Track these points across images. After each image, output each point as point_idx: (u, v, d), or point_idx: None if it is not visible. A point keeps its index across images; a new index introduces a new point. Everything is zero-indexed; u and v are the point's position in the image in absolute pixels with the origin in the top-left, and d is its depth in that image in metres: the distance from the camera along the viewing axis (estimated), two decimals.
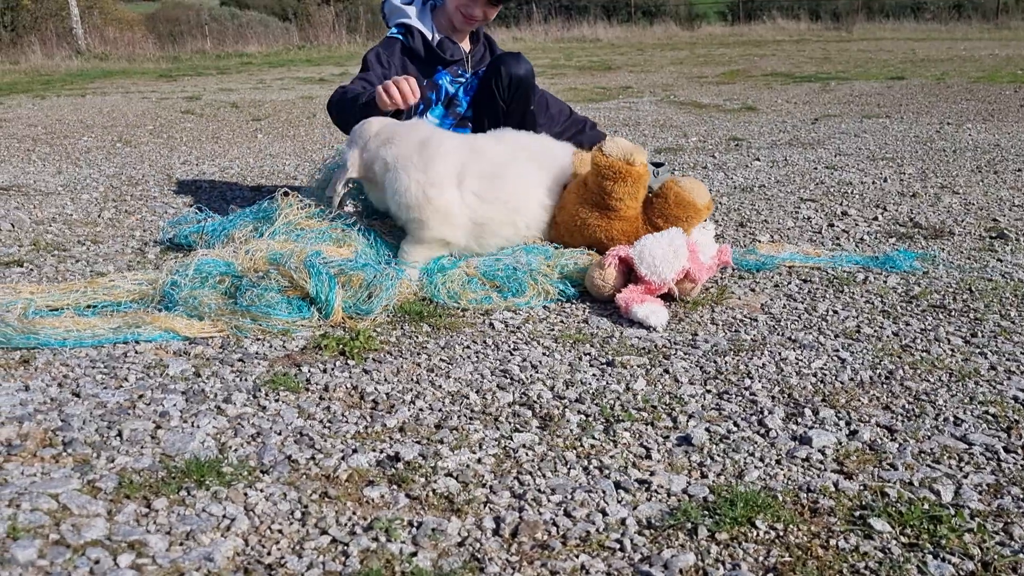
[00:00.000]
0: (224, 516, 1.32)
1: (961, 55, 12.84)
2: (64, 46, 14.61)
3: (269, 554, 1.24)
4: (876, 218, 3.23)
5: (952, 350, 1.99)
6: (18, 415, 1.64)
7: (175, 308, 2.13)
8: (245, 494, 1.39)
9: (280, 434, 1.59)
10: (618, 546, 1.26)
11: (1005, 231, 2.99)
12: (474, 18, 3.06)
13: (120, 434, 1.57)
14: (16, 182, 4.06)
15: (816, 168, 4.27)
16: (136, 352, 1.96)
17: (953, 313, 2.22)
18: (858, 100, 7.29)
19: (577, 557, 1.24)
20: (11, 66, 12.71)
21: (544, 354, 1.98)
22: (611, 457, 1.52)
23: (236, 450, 1.53)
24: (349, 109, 2.82)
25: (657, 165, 2.79)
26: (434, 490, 1.41)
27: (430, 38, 3.07)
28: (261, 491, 1.40)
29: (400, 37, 3.07)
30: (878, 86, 8.48)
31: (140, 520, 1.31)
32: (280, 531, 1.29)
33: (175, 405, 1.70)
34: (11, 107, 7.44)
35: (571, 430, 1.62)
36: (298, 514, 1.34)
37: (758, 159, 4.55)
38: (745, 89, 8.48)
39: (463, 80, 3.18)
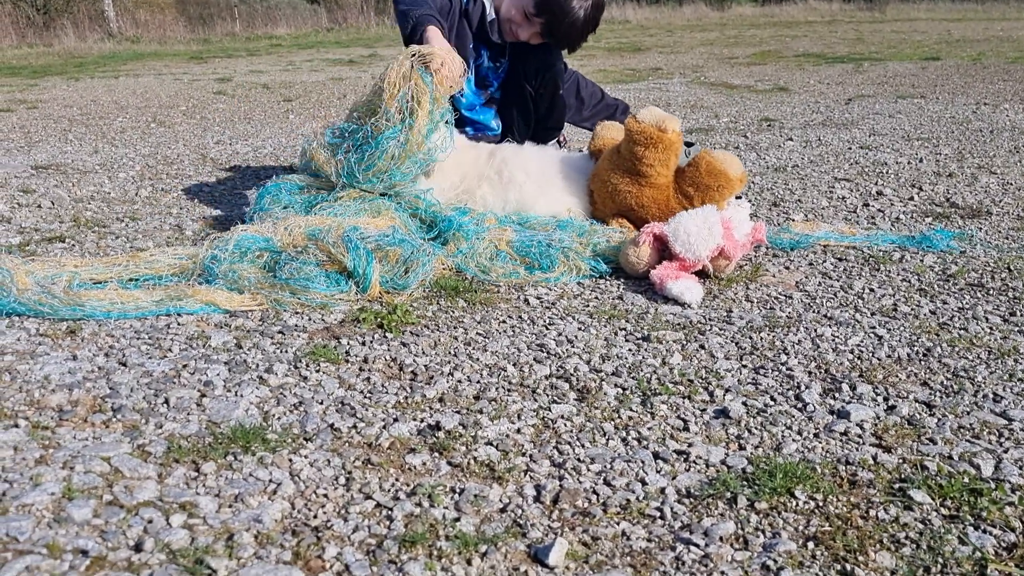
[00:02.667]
0: (270, 481, 1.35)
1: (998, 35, 12.62)
2: (96, 29, 14.74)
3: (315, 517, 1.26)
4: (912, 198, 3.20)
5: (991, 328, 1.98)
6: (67, 383, 1.69)
7: (215, 282, 2.16)
8: (290, 460, 1.42)
9: (322, 403, 1.62)
10: (658, 514, 1.28)
11: None
12: (518, 38, 3.05)
13: (167, 401, 1.61)
14: (54, 161, 4.12)
15: (850, 148, 4.23)
16: (178, 324, 2.00)
17: (991, 292, 2.21)
18: (892, 81, 7.19)
19: (618, 524, 1.25)
20: (45, 48, 12.85)
21: (580, 329, 1.99)
22: (649, 428, 1.53)
23: (279, 418, 1.56)
24: (401, 25, 2.86)
25: (688, 145, 2.78)
26: (475, 458, 1.43)
27: (488, 14, 3.05)
28: (305, 457, 1.43)
29: None
30: (912, 67, 8.36)
31: (190, 483, 1.34)
32: (325, 495, 1.32)
33: (218, 375, 1.73)
34: (46, 88, 7.54)
35: (608, 402, 1.63)
36: (342, 480, 1.36)
37: (791, 139, 4.52)
38: (777, 70, 8.39)
39: (499, 63, 3.18)
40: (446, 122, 2.57)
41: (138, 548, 1.18)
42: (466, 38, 3.04)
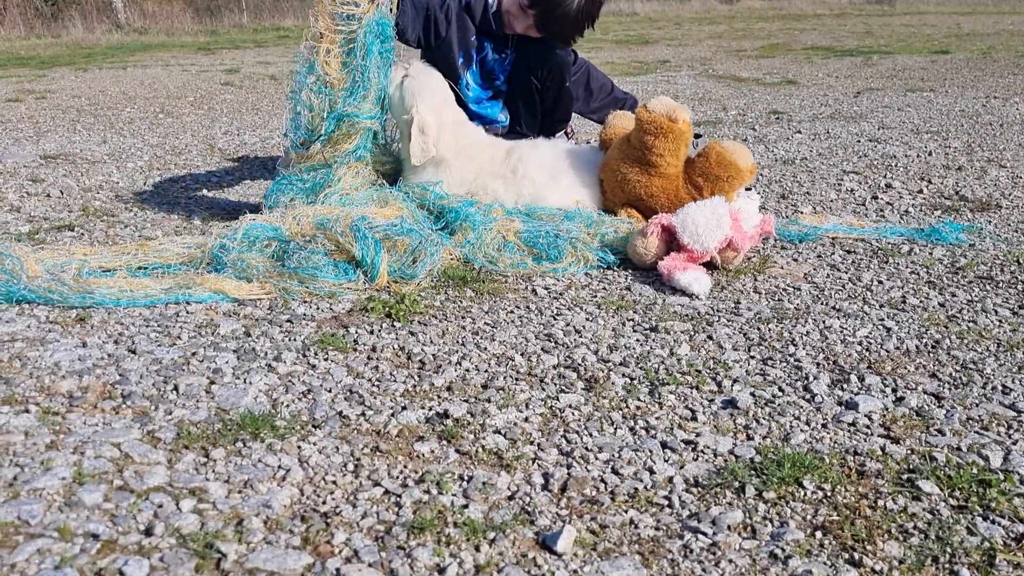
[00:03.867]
0: (279, 467, 1.36)
1: (1008, 29, 12.55)
2: (104, 20, 14.74)
3: (324, 503, 1.27)
4: (921, 191, 3.19)
5: (1000, 321, 1.97)
6: (77, 369, 1.69)
7: (224, 270, 2.17)
8: (299, 447, 1.42)
9: (330, 391, 1.62)
10: (666, 503, 1.28)
11: None
12: (515, 31, 3.03)
13: (176, 388, 1.62)
14: (63, 151, 4.13)
15: (859, 141, 4.21)
16: (187, 312, 2.01)
17: (1000, 285, 2.20)
18: (901, 74, 7.16)
19: (626, 512, 1.26)
20: (53, 39, 12.86)
21: (587, 319, 1.99)
22: (657, 418, 1.53)
23: (288, 405, 1.57)
24: None
25: (696, 136, 2.78)
26: (483, 446, 1.43)
27: (491, 6, 3.04)
28: (314, 444, 1.43)
29: None
30: (922, 60, 8.33)
31: (199, 469, 1.35)
32: (334, 482, 1.32)
33: (227, 362, 1.74)
34: (55, 79, 7.55)
35: (616, 392, 1.63)
36: (351, 466, 1.37)
37: (799, 132, 4.50)
38: (785, 63, 8.36)
39: (504, 55, 3.17)
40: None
41: (148, 532, 1.18)
42: (468, 31, 3.04)
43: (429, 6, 2.96)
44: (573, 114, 3.34)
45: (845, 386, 1.65)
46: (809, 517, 1.24)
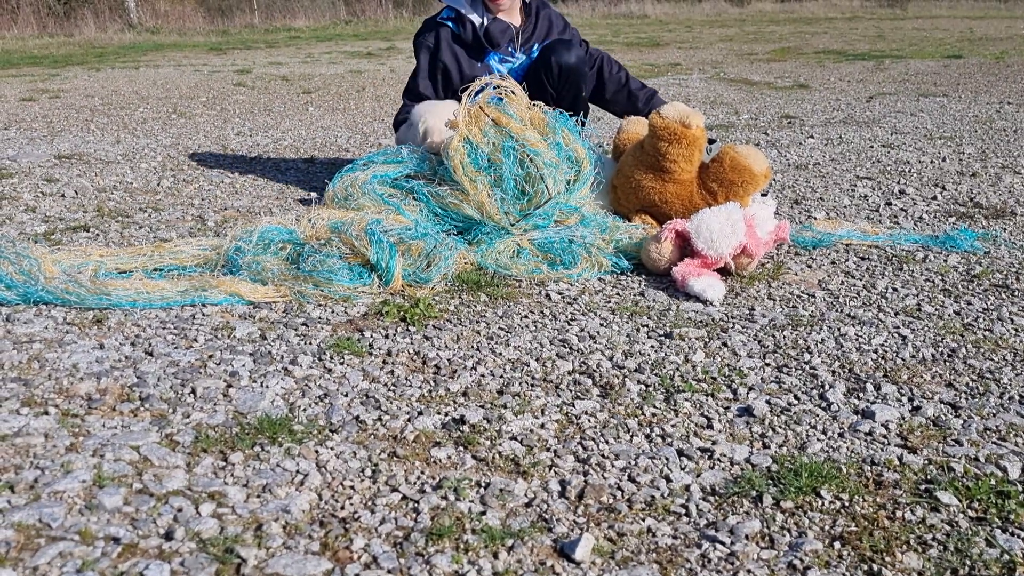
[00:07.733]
0: (298, 472, 1.36)
1: (1021, 34, 12.49)
2: (116, 19, 14.81)
3: (343, 508, 1.27)
4: (935, 197, 3.18)
5: (1016, 329, 1.96)
6: (95, 371, 1.70)
7: (239, 273, 2.18)
8: (316, 451, 1.43)
9: (347, 396, 1.63)
10: (683, 511, 1.28)
11: None
12: (498, 4, 3.10)
13: (194, 391, 1.63)
14: (77, 151, 4.15)
15: (872, 146, 4.20)
16: (203, 314, 2.02)
17: (1016, 293, 2.19)
18: (914, 79, 7.14)
19: (643, 520, 1.26)
20: (65, 39, 12.93)
21: (602, 325, 1.99)
22: (673, 426, 1.53)
23: (305, 409, 1.57)
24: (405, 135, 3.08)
25: (711, 142, 2.78)
26: (500, 452, 1.43)
27: (479, 25, 3.11)
28: (331, 449, 1.44)
29: (450, 24, 3.13)
30: (934, 65, 8.30)
31: (218, 472, 1.36)
32: (352, 487, 1.33)
33: (244, 365, 1.75)
34: (68, 78, 7.59)
35: (632, 399, 1.63)
36: (368, 472, 1.37)
37: (812, 137, 4.49)
38: (797, 67, 8.34)
39: (513, 60, 3.19)
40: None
41: (168, 536, 1.19)
42: (463, 60, 3.11)
43: (433, 62, 3.13)
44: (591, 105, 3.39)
45: (861, 395, 1.65)
46: (827, 527, 1.24)
